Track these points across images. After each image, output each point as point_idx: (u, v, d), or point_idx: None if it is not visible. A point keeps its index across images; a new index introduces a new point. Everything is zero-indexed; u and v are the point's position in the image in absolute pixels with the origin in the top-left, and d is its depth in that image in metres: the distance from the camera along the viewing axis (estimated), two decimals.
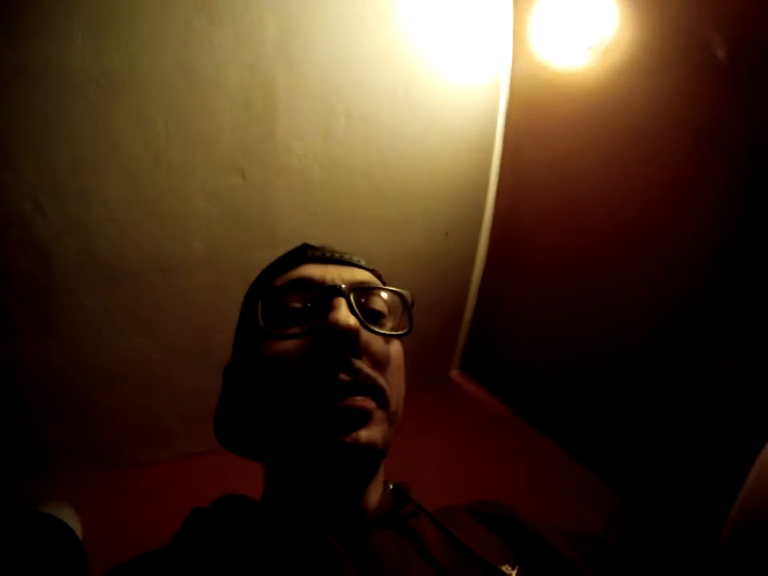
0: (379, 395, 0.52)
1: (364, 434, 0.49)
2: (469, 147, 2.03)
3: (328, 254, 0.61)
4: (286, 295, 0.56)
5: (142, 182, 1.46)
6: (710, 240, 1.51)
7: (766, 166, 1.38)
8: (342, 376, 0.50)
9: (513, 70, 2.04)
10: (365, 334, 0.53)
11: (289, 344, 0.53)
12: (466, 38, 1.88)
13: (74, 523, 1.33)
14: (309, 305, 0.55)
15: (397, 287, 0.60)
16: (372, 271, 0.63)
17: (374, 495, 0.57)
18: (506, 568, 0.52)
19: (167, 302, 1.59)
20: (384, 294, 0.59)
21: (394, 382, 0.55)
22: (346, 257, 0.62)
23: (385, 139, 1.80)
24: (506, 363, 2.25)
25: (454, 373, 2.45)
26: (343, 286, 0.54)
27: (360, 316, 0.53)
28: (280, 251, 0.64)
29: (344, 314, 0.51)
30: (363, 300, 0.56)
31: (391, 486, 0.61)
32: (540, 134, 2.01)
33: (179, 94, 1.43)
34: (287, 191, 1.66)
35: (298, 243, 0.65)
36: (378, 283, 0.61)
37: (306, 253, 0.61)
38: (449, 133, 1.95)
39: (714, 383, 1.20)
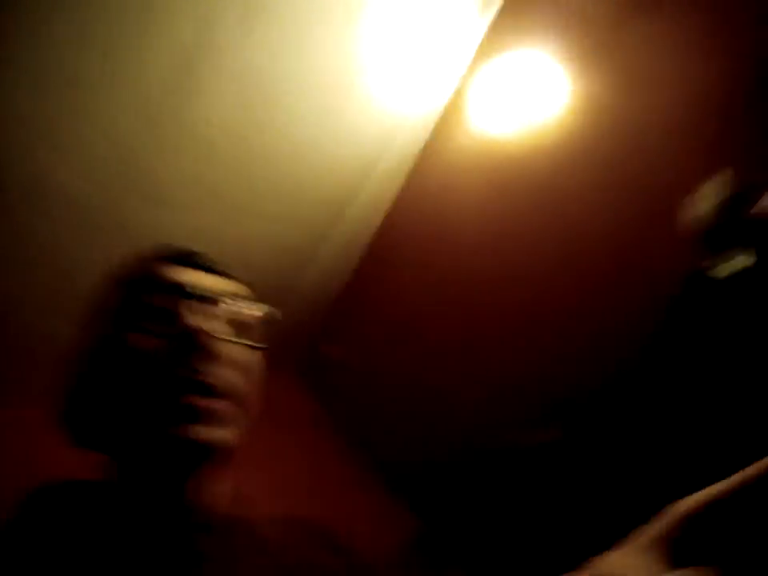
0: (227, 398, 0.56)
1: (203, 431, 0.53)
2: (376, 175, 2.11)
3: (207, 264, 0.65)
4: (156, 294, 0.59)
5: (51, 102, 1.39)
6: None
7: None
8: (191, 376, 0.54)
9: (441, 123, 2.08)
10: (223, 342, 0.57)
11: (150, 341, 0.56)
12: (408, 74, 1.93)
13: None
14: (177, 307, 0.58)
15: (264, 303, 0.65)
16: (245, 285, 0.67)
17: (209, 494, 0.60)
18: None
19: (43, 235, 1.51)
20: (251, 308, 0.63)
21: (246, 388, 0.59)
22: (221, 268, 0.66)
23: (292, 149, 1.84)
24: (345, 385, 2.29)
25: (289, 377, 2.42)
26: (212, 294, 0.59)
27: (222, 324, 0.58)
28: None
29: (205, 320, 0.56)
30: (229, 310, 0.61)
31: (228, 489, 0.64)
32: (450, 189, 2.05)
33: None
34: (191, 158, 1.59)
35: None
36: (248, 297, 0.65)
37: (186, 258, 0.65)
38: (362, 155, 2.02)
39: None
